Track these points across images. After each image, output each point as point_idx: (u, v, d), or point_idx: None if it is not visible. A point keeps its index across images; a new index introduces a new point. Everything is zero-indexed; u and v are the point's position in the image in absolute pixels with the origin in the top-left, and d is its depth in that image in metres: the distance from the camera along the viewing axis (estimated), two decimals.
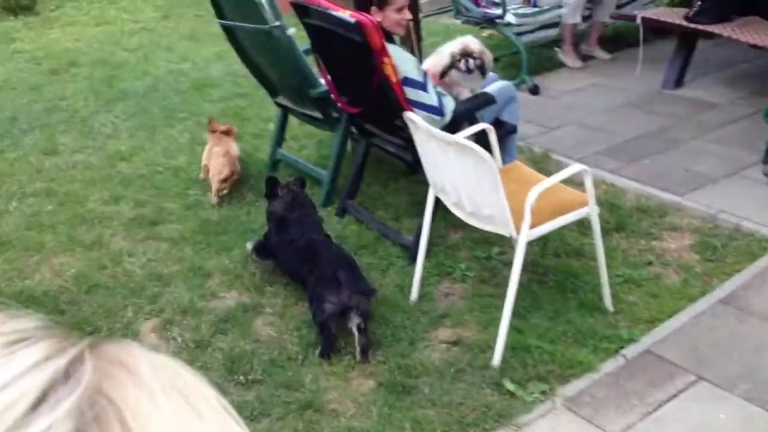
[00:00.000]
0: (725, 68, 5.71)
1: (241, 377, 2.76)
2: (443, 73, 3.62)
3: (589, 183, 2.82)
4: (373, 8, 3.47)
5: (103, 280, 3.45)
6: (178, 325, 3.11)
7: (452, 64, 3.60)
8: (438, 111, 3.36)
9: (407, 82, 3.34)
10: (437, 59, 3.73)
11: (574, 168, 2.85)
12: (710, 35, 5.19)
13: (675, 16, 5.30)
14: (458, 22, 6.30)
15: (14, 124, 5.50)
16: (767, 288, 3.10)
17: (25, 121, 5.57)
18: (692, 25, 5.07)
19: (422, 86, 3.36)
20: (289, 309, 3.17)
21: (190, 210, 4.06)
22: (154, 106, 5.71)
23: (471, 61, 3.57)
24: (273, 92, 4.41)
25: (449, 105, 3.41)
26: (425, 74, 3.41)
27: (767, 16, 4.95)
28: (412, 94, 3.35)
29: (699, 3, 5.08)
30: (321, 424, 2.54)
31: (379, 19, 3.43)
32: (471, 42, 3.65)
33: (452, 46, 3.67)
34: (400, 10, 3.51)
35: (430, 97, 3.36)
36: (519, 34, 5.78)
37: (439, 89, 3.48)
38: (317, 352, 2.86)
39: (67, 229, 3.92)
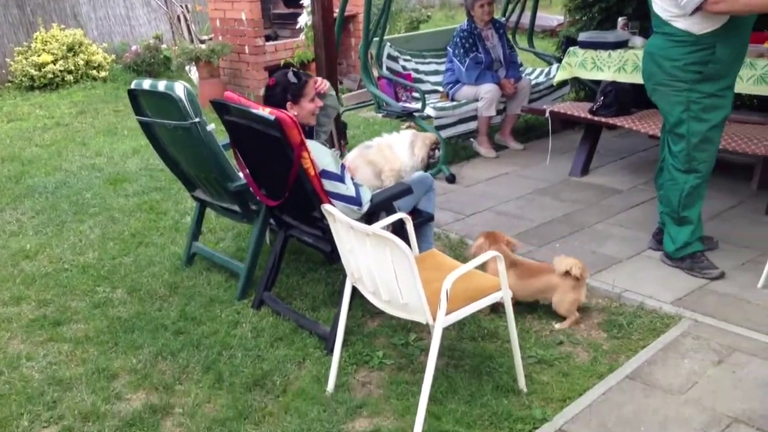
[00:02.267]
0: (627, 156, 6.07)
1: None
2: (428, 165, 3.92)
3: (501, 268, 2.88)
4: (289, 103, 3.60)
5: None
6: None
7: (429, 155, 3.94)
8: (356, 201, 3.42)
9: (325, 174, 3.41)
10: (378, 154, 3.89)
11: (487, 254, 2.91)
12: (613, 126, 5.52)
13: (580, 109, 5.64)
14: (379, 115, 6.51)
15: None
16: (670, 363, 3.19)
17: None
18: (596, 118, 5.39)
19: (340, 178, 3.43)
20: (201, 408, 3.04)
21: (97, 308, 3.91)
22: (64, 201, 5.58)
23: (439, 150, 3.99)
24: (190, 186, 4.39)
25: (366, 195, 3.48)
26: (343, 167, 3.49)
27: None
28: (329, 185, 3.41)
29: (602, 98, 5.41)
30: None
31: (295, 113, 3.55)
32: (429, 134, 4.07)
33: (408, 140, 3.95)
34: (312, 99, 3.68)
35: (347, 188, 3.42)
36: (439, 127, 6.00)
37: (357, 180, 3.55)
38: None
39: None
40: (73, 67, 10.14)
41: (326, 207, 2.95)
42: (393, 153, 3.89)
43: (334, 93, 3.93)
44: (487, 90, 6.08)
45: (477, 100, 6.14)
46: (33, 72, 9.95)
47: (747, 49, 3.80)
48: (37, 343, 3.61)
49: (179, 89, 3.70)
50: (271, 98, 3.60)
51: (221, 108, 3.60)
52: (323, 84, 3.79)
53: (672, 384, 3.04)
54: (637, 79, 5.19)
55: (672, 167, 3.91)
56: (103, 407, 3.06)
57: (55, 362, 3.42)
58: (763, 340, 3.31)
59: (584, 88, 7.32)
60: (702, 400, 2.92)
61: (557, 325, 3.54)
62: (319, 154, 3.43)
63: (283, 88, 3.62)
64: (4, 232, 5.08)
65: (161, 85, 3.78)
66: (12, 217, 5.36)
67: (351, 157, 3.88)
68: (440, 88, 6.53)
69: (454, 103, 6.18)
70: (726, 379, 3.05)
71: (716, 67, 3.66)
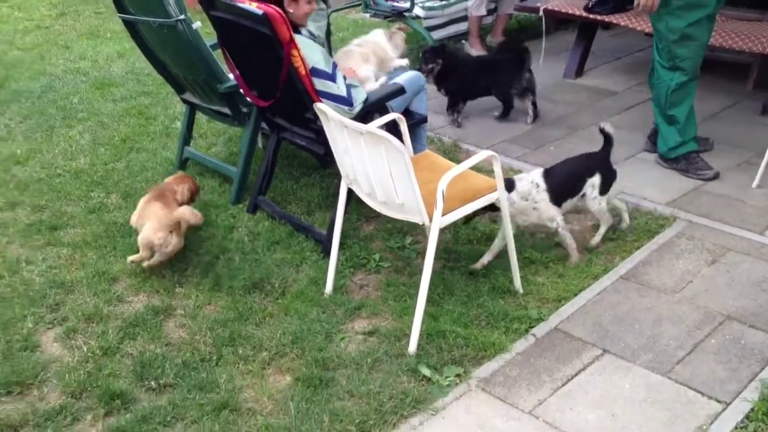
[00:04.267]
0: (622, 57, 5.96)
1: (152, 382, 2.67)
2: None
3: (497, 168, 2.87)
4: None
5: None
6: (83, 332, 2.97)
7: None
8: (346, 101, 3.35)
9: (315, 72, 3.32)
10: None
11: (482, 154, 2.88)
12: (608, 26, 5.39)
13: (575, 7, 5.48)
14: (367, 16, 6.32)
15: None
16: (664, 263, 3.24)
17: None
18: (591, 15, 5.26)
19: (330, 77, 3.34)
20: (202, 309, 3.09)
21: (93, 213, 3.89)
22: (51, 106, 5.45)
23: None
24: (179, 89, 4.30)
25: (359, 96, 3.40)
26: (334, 65, 3.39)
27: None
28: (320, 84, 3.34)
29: None
30: (238, 424, 2.48)
31: (291, 10, 3.43)
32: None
33: (386, 36, 4.05)
34: (309, 1, 3.53)
35: (338, 88, 3.34)
36: (430, 29, 5.85)
37: (350, 81, 3.47)
38: None
39: None
40: None
41: (319, 105, 2.89)
42: (383, 48, 3.88)
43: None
44: None
45: None
46: None
47: None
48: (35, 247, 3.61)
49: None
50: None
51: (207, 2, 3.47)
52: None
53: (666, 284, 3.10)
54: None
55: (658, 64, 3.87)
56: (105, 309, 3.10)
57: (54, 266, 3.43)
58: (756, 239, 3.36)
59: None
60: (695, 299, 2.99)
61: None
62: (309, 51, 3.33)
63: None
64: None
65: None
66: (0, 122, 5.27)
67: (348, 54, 3.79)
68: None
69: (444, 2, 6.00)
70: (719, 277, 3.12)
71: None
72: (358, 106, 3.39)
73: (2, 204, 4.04)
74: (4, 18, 8.33)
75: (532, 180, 3.27)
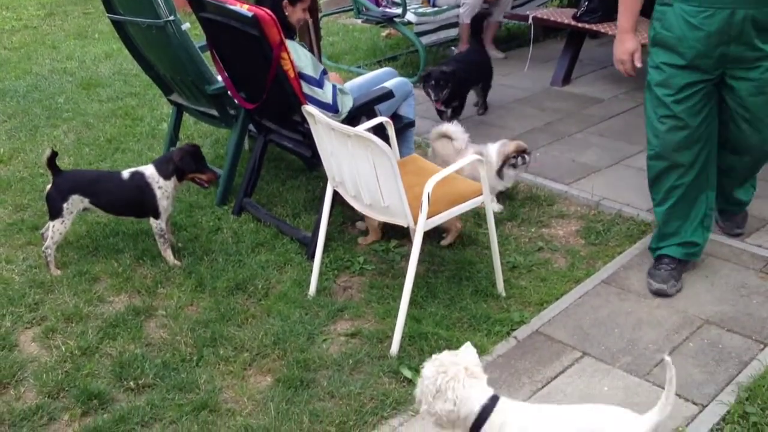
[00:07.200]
0: (609, 66, 5.96)
1: (131, 382, 2.65)
2: (499, 172, 3.75)
3: (483, 172, 2.88)
4: (286, 1, 3.44)
5: None
6: (62, 332, 2.95)
7: (506, 162, 3.75)
8: (332, 108, 3.36)
9: (302, 77, 3.33)
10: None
11: (468, 158, 2.90)
12: (596, 34, 5.42)
13: (564, 15, 5.53)
14: (358, 21, 6.34)
15: None
16: (645, 267, 3.24)
17: None
18: (579, 24, 5.30)
19: (317, 83, 3.35)
20: (183, 310, 3.07)
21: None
22: (36, 106, 5.44)
23: (527, 156, 3.78)
24: (166, 90, 4.30)
25: (345, 103, 3.41)
26: (323, 72, 3.40)
27: (648, 15, 5.20)
28: (307, 89, 3.35)
29: (586, 3, 5.30)
30: (216, 425, 2.47)
31: (287, 13, 3.44)
32: (518, 142, 3.86)
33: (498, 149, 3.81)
34: (304, 10, 3.56)
35: (324, 94, 3.35)
36: (420, 34, 5.87)
37: (340, 86, 3.47)
38: None
39: None
40: None
41: (306, 108, 2.90)
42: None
43: None
44: None
45: (458, 6, 5.99)
46: None
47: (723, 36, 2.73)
48: (16, 246, 3.60)
49: None
50: None
51: (197, 3, 3.48)
52: None
53: (646, 288, 3.11)
54: None
55: None
56: (85, 309, 3.08)
57: (35, 265, 3.41)
58: (736, 245, 3.38)
59: None
60: (675, 303, 3.00)
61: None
62: (297, 57, 3.34)
63: None
64: None
65: None
66: None
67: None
68: None
69: (436, 8, 6.03)
70: (699, 283, 3.13)
71: (666, 35, 2.87)
72: (344, 113, 3.39)
73: None
74: None
75: None
